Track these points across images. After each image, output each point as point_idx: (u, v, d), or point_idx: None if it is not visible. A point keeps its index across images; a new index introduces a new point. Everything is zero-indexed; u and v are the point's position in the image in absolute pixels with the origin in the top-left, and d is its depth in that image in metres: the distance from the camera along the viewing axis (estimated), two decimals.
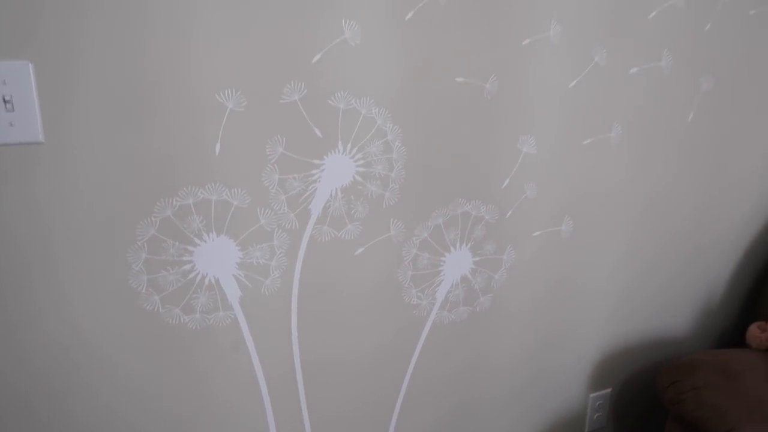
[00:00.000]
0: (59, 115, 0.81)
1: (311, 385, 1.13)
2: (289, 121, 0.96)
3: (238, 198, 0.96)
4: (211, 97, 0.89)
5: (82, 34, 0.80)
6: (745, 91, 1.45)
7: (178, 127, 0.89)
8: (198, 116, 0.89)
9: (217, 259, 0.98)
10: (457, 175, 1.15)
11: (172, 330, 0.98)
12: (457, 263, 1.22)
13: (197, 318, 0.99)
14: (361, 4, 0.95)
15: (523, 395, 1.42)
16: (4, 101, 0.79)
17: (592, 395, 1.53)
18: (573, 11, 1.15)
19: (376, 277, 1.14)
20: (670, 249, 1.51)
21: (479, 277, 1.25)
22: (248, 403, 1.08)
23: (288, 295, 1.06)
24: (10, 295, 0.85)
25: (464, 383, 1.32)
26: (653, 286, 1.53)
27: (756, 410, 1.22)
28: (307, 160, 1.00)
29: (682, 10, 1.28)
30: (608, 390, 1.56)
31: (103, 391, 0.96)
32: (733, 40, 1.37)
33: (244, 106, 0.92)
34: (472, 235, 1.21)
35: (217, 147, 0.92)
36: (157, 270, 0.94)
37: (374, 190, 1.08)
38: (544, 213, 1.28)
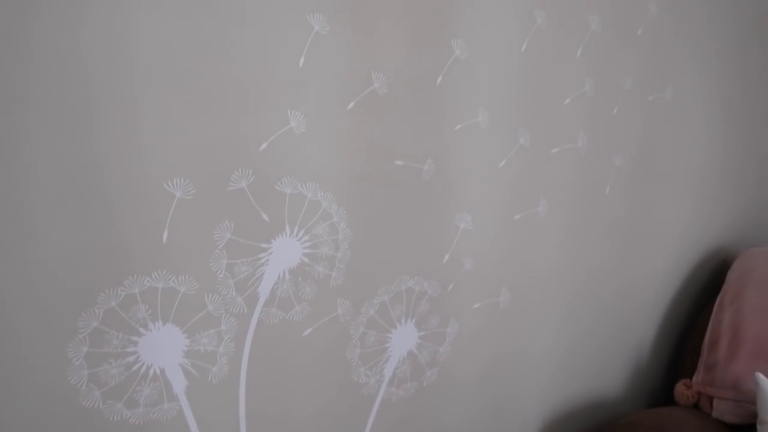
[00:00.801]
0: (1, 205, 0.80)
1: None
2: (237, 207, 0.98)
3: (186, 285, 0.96)
4: (159, 186, 0.90)
5: (27, 129, 0.80)
6: (650, 166, 1.61)
7: (124, 217, 0.88)
8: (145, 206, 0.90)
9: (162, 348, 0.96)
10: (400, 253, 1.20)
11: (113, 427, 0.94)
12: (403, 339, 1.24)
13: (140, 412, 0.95)
14: (306, 95, 1.01)
15: None
16: None
17: None
18: (498, 99, 1.26)
19: (325, 357, 1.14)
20: (600, 313, 1.60)
21: (425, 351, 1.27)
22: None
23: (236, 382, 1.04)
24: None
25: None
26: (588, 350, 1.60)
27: None
28: (254, 244, 1.01)
29: (591, 97, 1.42)
30: None
31: None
32: (637, 122, 1.53)
33: (192, 194, 0.93)
34: (416, 310, 1.24)
35: (165, 235, 0.92)
36: (98, 363, 0.90)
37: (321, 271, 1.10)
38: (483, 285, 1.34)
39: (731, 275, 1.67)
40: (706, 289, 1.78)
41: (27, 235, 0.82)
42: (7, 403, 0.85)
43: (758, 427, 1.38)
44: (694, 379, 1.60)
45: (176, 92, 0.89)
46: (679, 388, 1.62)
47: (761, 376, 1.40)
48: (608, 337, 1.65)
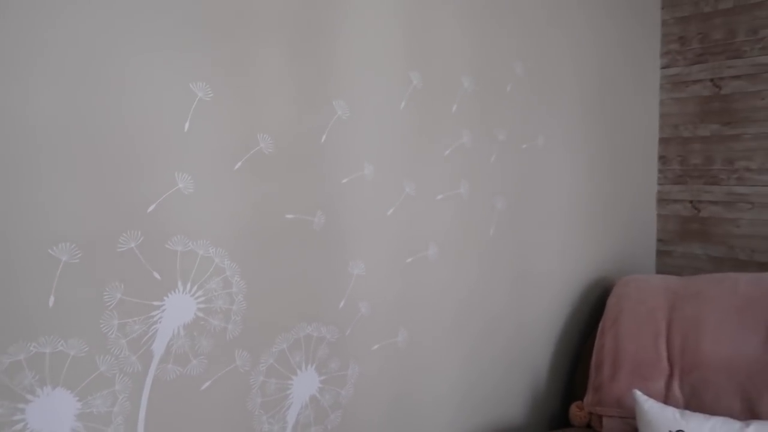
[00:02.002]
0: None
1: None
2: (127, 267, 1.01)
3: (75, 348, 0.97)
4: (44, 252, 0.93)
5: None
6: (529, 207, 1.76)
7: (8, 283, 0.90)
8: (30, 271, 0.92)
9: (52, 413, 0.96)
10: (296, 301, 1.25)
11: None
12: (305, 384, 1.28)
13: None
14: (192, 158, 1.07)
15: None
16: None
17: None
18: (382, 153, 1.37)
19: (226, 409, 1.16)
20: (497, 347, 1.70)
21: (327, 394, 1.32)
22: None
23: None
24: None
25: None
26: (488, 383, 1.69)
27: None
28: (147, 303, 1.04)
29: (470, 148, 1.56)
30: None
31: None
32: (513, 168, 1.69)
33: (79, 257, 0.96)
34: (316, 355, 1.30)
35: (51, 299, 0.94)
36: None
37: (217, 324, 1.13)
38: (380, 327, 1.41)
39: (610, 302, 1.83)
40: (592, 315, 1.94)
41: None
42: None
43: None
44: (585, 400, 1.72)
45: (61, 159, 0.94)
46: (573, 410, 1.73)
47: (638, 393, 1.54)
48: (506, 369, 1.75)
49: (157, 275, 1.05)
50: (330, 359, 1.32)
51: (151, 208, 1.03)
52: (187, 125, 1.06)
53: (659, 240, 2.19)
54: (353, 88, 1.30)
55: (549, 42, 1.75)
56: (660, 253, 2.19)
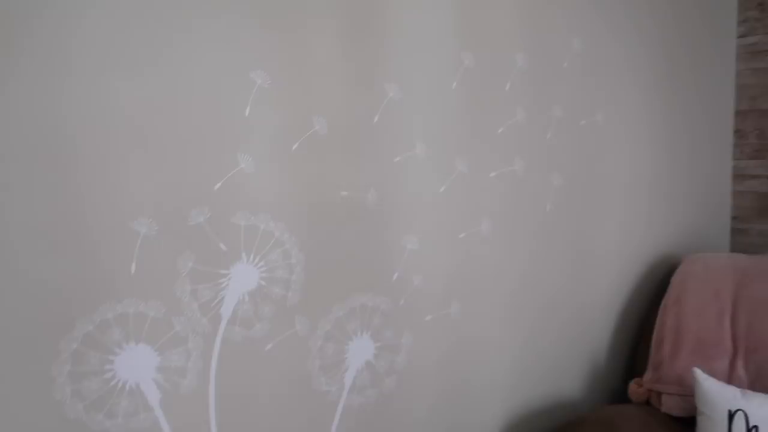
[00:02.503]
0: None
1: None
2: (197, 240, 1.13)
3: (154, 309, 1.11)
4: (126, 225, 1.06)
5: (10, 175, 0.96)
6: (589, 184, 1.75)
7: (97, 252, 1.04)
8: (115, 242, 1.05)
9: (136, 365, 1.10)
10: (351, 273, 1.34)
11: None
12: (360, 350, 1.37)
13: (120, 422, 1.09)
14: (252, 140, 1.17)
15: None
16: None
17: None
18: (434, 132, 1.42)
19: (287, 369, 1.27)
20: (550, 320, 1.73)
21: (382, 360, 1.41)
22: None
23: (205, 393, 1.18)
24: None
25: None
26: (544, 355, 1.73)
27: None
28: (215, 271, 1.16)
29: (524, 125, 1.58)
30: None
31: None
32: (571, 144, 1.69)
33: (155, 230, 1.09)
34: (371, 323, 1.38)
35: (133, 266, 1.08)
36: (80, 380, 1.05)
37: (278, 292, 1.24)
38: (433, 299, 1.48)
39: (675, 279, 1.80)
40: (655, 293, 1.90)
41: (11, 269, 0.97)
42: (11, 420, 0.99)
43: (697, 417, 1.50)
44: (644, 377, 1.72)
45: (138, 143, 1.06)
46: (632, 387, 1.73)
47: (698, 371, 1.53)
48: (565, 346, 1.77)
49: (223, 247, 1.17)
50: (384, 328, 1.40)
51: (217, 186, 1.14)
52: (247, 110, 1.16)
53: (734, 217, 2.10)
54: (405, 70, 1.36)
55: (610, 15, 1.72)
56: (735, 231, 2.11)
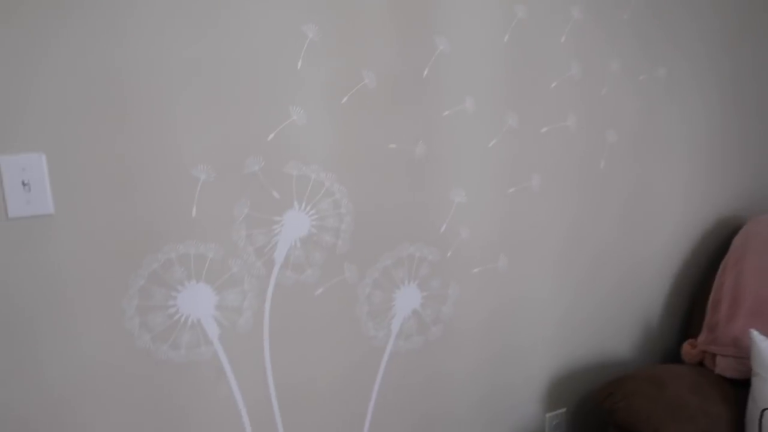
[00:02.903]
0: (65, 193, 1.06)
1: (286, 410, 1.31)
2: (252, 187, 1.20)
3: (213, 251, 1.19)
4: (187, 172, 1.14)
5: (79, 129, 1.05)
6: (647, 141, 1.70)
7: (160, 197, 1.13)
8: (177, 188, 1.13)
9: (197, 302, 1.19)
10: (399, 223, 1.38)
11: (162, 365, 1.18)
12: (408, 298, 1.42)
13: (182, 353, 1.19)
14: (304, 93, 1.22)
15: (480, 416, 1.58)
16: (23, 184, 1.03)
17: (548, 415, 1.69)
18: (484, 87, 1.42)
19: (336, 314, 1.34)
20: (600, 279, 1.72)
21: (428, 309, 1.45)
22: (231, 424, 1.26)
23: (260, 332, 1.27)
24: (29, 339, 1.07)
25: (424, 405, 1.49)
26: (591, 314, 1.72)
27: (679, 414, 1.39)
28: (269, 217, 1.23)
29: (579, 80, 1.55)
30: (563, 410, 1.72)
31: (109, 419, 1.15)
32: (628, 100, 1.64)
33: (214, 177, 1.16)
34: (418, 273, 1.42)
35: (194, 211, 1.16)
36: (147, 314, 1.15)
37: (328, 240, 1.30)
38: (481, 252, 1.50)
39: (736, 241, 1.74)
40: (713, 254, 1.85)
41: (85, 211, 1.07)
42: (78, 346, 1.11)
43: (752, 379, 1.46)
44: (699, 338, 1.69)
45: (197, 97, 1.13)
46: (685, 347, 1.70)
47: (755, 333, 1.48)
48: (617, 305, 1.76)
49: (276, 195, 1.23)
50: (431, 278, 1.44)
51: (270, 137, 1.20)
52: (299, 63, 1.20)
53: None
54: (455, 23, 1.36)
55: None
56: None
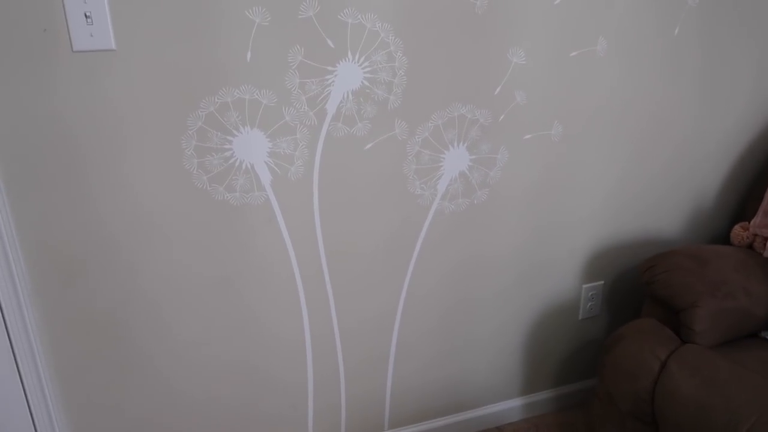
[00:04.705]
0: (127, 28, 1.06)
1: (332, 258, 1.39)
2: (306, 34, 1.18)
3: (267, 98, 1.20)
4: (242, 13, 1.12)
5: None
6: (730, 9, 1.56)
7: (217, 38, 1.12)
8: (232, 29, 1.12)
9: (251, 148, 1.23)
10: (453, 82, 1.35)
11: (218, 205, 1.24)
12: (456, 160, 1.42)
13: (237, 196, 1.25)
14: None
15: (521, 284, 1.63)
16: (86, 16, 1.04)
17: (585, 286, 1.73)
18: None
19: (384, 169, 1.36)
20: (661, 155, 1.66)
21: (476, 173, 1.46)
22: (281, 267, 1.35)
23: (310, 181, 1.30)
24: (91, 174, 1.13)
25: (466, 267, 1.55)
26: (646, 190, 1.69)
27: (719, 289, 1.40)
28: (322, 67, 1.22)
29: None
30: (601, 282, 1.75)
31: (162, 256, 1.24)
32: None
33: (268, 20, 1.14)
34: (468, 135, 1.41)
35: (248, 55, 1.15)
36: (204, 155, 1.19)
37: (380, 94, 1.29)
38: (535, 118, 1.46)
39: None
40: None
41: (145, 48, 1.08)
42: (135, 184, 1.17)
43: None
44: (752, 222, 1.65)
45: None
46: (736, 229, 1.68)
47: None
48: (671, 183, 1.72)
49: (330, 43, 1.20)
50: (481, 141, 1.43)
51: None
52: None
53: None
54: None
55: None
56: None
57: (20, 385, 1.21)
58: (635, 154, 1.63)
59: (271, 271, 1.34)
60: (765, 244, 1.61)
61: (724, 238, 1.84)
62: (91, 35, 1.05)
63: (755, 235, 1.64)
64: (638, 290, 1.80)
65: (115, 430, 1.35)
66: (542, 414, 1.85)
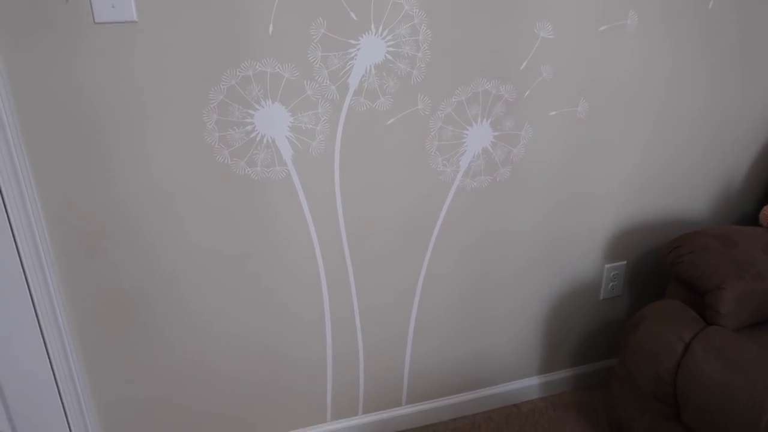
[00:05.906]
0: (148, 0, 1.05)
1: (352, 234, 1.38)
2: (329, 6, 1.16)
3: (288, 71, 1.18)
4: None
5: None
6: None
7: (239, 10, 1.10)
8: (254, 1, 1.11)
9: (272, 122, 1.21)
10: (477, 57, 1.32)
11: (239, 179, 1.24)
12: (479, 136, 1.40)
13: (258, 170, 1.25)
14: None
15: (542, 262, 1.62)
16: None
17: (607, 266, 1.71)
18: None
19: (406, 145, 1.34)
20: (690, 134, 1.62)
21: (499, 150, 1.43)
22: (301, 243, 1.35)
23: (331, 156, 1.29)
24: (112, 146, 1.13)
25: (487, 245, 1.53)
26: (666, 168, 1.65)
27: (745, 271, 1.37)
28: (345, 40, 1.20)
29: None
30: (623, 262, 1.73)
31: (184, 229, 1.24)
32: None
33: None
34: (492, 111, 1.38)
35: (270, 27, 1.14)
36: (225, 129, 1.19)
37: (403, 68, 1.26)
38: (561, 94, 1.43)
39: None
40: None
41: (167, 20, 1.07)
42: (156, 157, 1.17)
43: None
44: None
45: None
46: (765, 210, 1.64)
47: None
48: (699, 163, 1.67)
49: (353, 16, 1.18)
50: (505, 117, 1.40)
51: None
52: None
53: None
54: None
55: None
56: None
57: (45, 352, 1.24)
58: (660, 132, 1.59)
59: (290, 248, 1.34)
60: None
61: (751, 219, 1.81)
62: (113, 6, 1.04)
63: None
64: (661, 272, 1.77)
65: (133, 399, 1.38)
66: (560, 393, 1.84)
